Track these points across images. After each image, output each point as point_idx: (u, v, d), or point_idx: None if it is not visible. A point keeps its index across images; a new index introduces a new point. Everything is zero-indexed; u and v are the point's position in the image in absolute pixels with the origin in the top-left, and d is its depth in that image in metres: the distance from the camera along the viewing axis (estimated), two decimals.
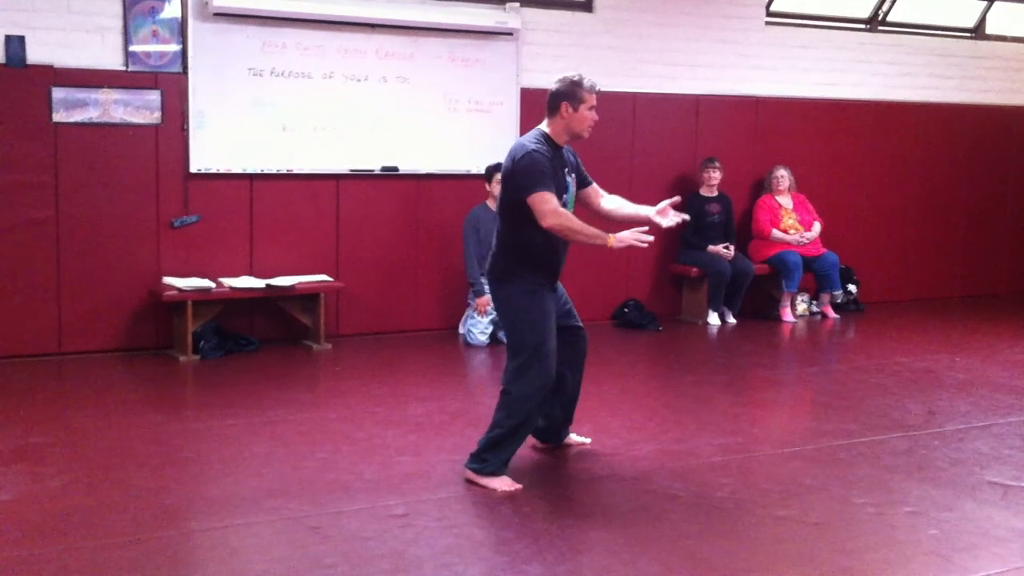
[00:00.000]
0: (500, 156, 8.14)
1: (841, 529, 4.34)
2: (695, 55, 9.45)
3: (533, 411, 4.84)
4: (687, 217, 5.12)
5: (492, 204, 8.04)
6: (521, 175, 4.67)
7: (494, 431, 4.79)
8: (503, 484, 4.73)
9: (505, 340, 5.02)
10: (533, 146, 4.73)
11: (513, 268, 4.83)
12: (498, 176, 7.85)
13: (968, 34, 10.90)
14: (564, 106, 4.80)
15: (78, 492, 4.62)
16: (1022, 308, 10.43)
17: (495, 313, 8.03)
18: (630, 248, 4.83)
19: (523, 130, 8.40)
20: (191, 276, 7.58)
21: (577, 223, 4.69)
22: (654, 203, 5.04)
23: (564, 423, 5.31)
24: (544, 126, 4.88)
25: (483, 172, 8.22)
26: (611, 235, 4.73)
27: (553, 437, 5.32)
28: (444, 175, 8.48)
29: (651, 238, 4.78)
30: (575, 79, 4.83)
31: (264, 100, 7.80)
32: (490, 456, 4.77)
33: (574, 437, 5.41)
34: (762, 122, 9.80)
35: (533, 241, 4.78)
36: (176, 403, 6.45)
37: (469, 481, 4.79)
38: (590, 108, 4.83)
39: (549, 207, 4.63)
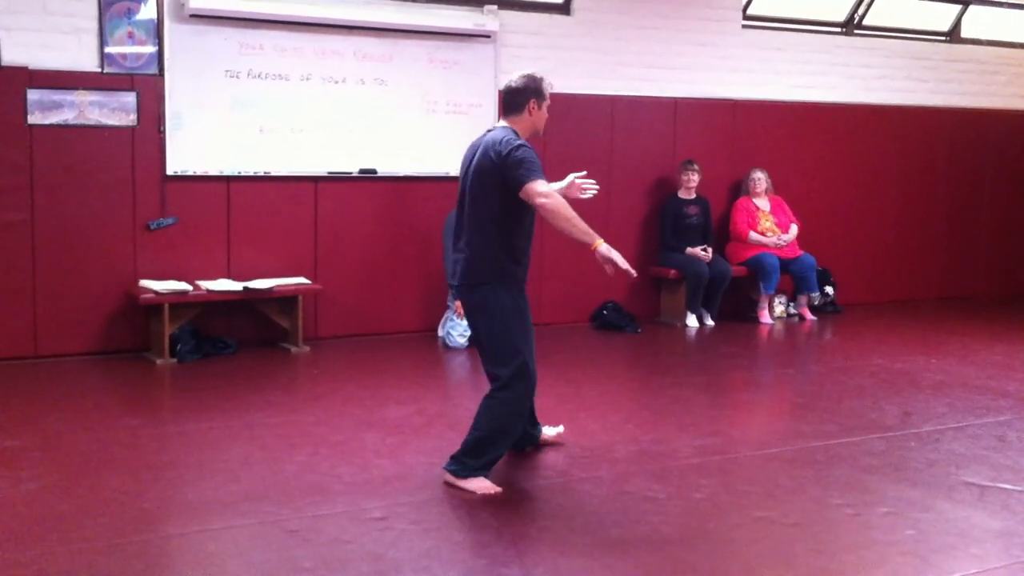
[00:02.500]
0: None
1: (819, 530, 4.36)
2: (672, 58, 9.48)
3: (519, 417, 4.84)
4: (597, 188, 5.17)
5: None
6: (517, 166, 4.56)
7: (474, 434, 4.76)
8: (482, 486, 4.71)
9: (488, 346, 4.79)
10: (520, 140, 4.67)
11: (499, 271, 4.72)
12: None
13: (943, 38, 10.98)
14: (532, 103, 4.81)
15: (54, 496, 4.58)
16: (998, 310, 10.52)
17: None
18: (605, 264, 4.64)
19: None
20: (168, 279, 7.54)
21: (571, 211, 4.61)
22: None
23: (531, 424, 5.26)
24: (507, 123, 4.81)
25: None
26: (602, 241, 4.64)
27: (527, 441, 5.30)
28: (422, 177, 8.47)
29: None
30: (538, 76, 4.84)
31: (241, 102, 7.77)
32: (469, 460, 4.75)
33: (548, 431, 5.41)
34: (739, 124, 9.84)
35: (518, 242, 4.77)
36: (153, 406, 6.42)
37: (448, 484, 4.78)
38: (548, 106, 4.89)
39: (546, 189, 4.57)
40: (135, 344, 7.59)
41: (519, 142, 4.65)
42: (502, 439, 4.79)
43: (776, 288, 9.50)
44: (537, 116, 4.84)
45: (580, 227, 4.60)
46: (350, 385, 6.81)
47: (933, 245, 11.03)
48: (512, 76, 4.88)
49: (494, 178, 4.64)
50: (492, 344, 4.75)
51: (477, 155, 4.75)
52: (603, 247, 4.61)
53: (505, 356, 4.72)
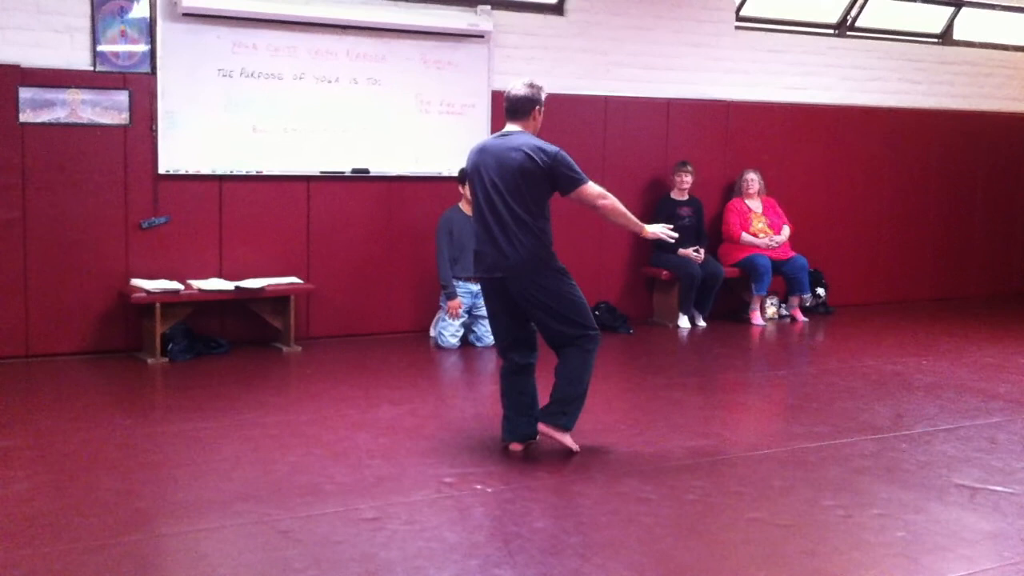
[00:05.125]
0: None
1: (810, 531, 4.37)
2: (666, 58, 9.49)
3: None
4: None
5: (465, 206, 8.03)
6: (567, 169, 5.08)
7: (578, 387, 5.16)
8: (572, 443, 5.22)
9: (562, 313, 5.14)
10: (553, 145, 5.13)
11: (549, 257, 5.15)
12: None
13: (936, 39, 11.00)
14: (536, 110, 5.22)
15: (45, 496, 4.57)
16: (990, 311, 10.55)
17: (476, 309, 8.08)
18: (653, 239, 5.48)
19: (495, 132, 8.41)
20: (160, 278, 7.53)
21: (623, 206, 5.29)
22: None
23: (534, 416, 5.37)
24: (520, 128, 5.19)
25: (455, 174, 8.21)
26: (646, 226, 5.43)
27: (530, 434, 5.34)
28: (416, 177, 8.46)
29: (676, 235, 5.55)
30: (538, 84, 5.26)
31: (234, 101, 7.76)
32: (575, 413, 5.19)
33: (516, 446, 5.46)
34: (732, 126, 9.85)
35: (551, 232, 5.22)
36: (145, 406, 6.41)
37: (544, 437, 5.24)
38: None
39: (601, 190, 5.20)
40: (127, 344, 7.58)
41: (558, 147, 5.10)
42: (588, 383, 5.25)
43: (768, 289, 9.51)
44: (539, 121, 5.28)
45: (632, 219, 5.34)
46: (342, 385, 6.81)
47: (925, 246, 11.05)
48: (514, 84, 5.25)
49: (542, 179, 5.06)
50: (566, 309, 5.14)
51: (516, 157, 5.04)
52: (649, 230, 5.40)
53: (582, 314, 5.18)
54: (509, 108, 5.23)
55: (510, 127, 5.22)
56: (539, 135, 5.28)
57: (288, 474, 4.92)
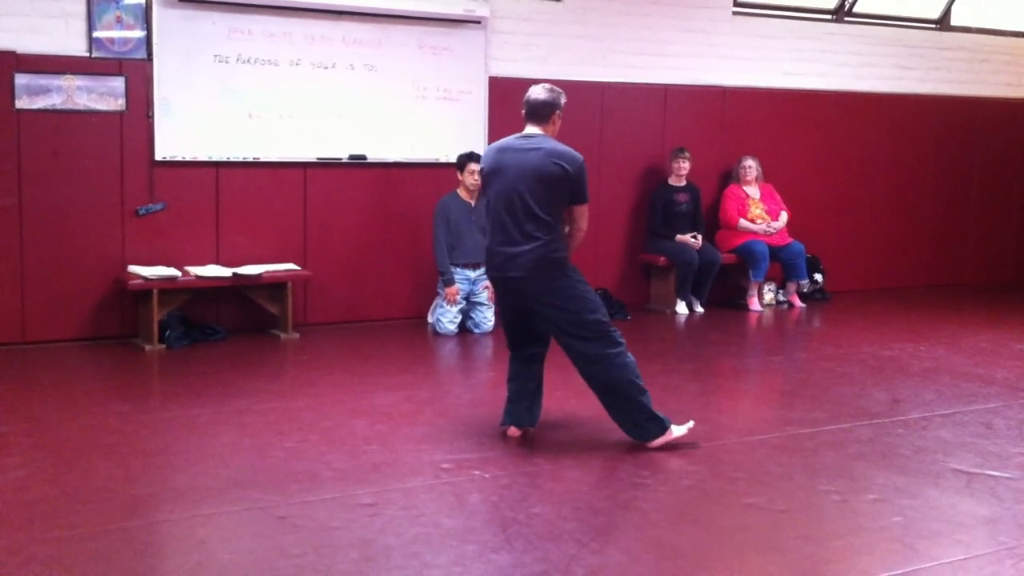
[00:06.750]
0: (469, 145, 8.29)
1: (806, 516, 4.38)
2: (663, 45, 9.47)
3: (633, 363, 5.22)
4: None
5: (463, 193, 8.02)
6: (583, 182, 5.15)
7: (642, 397, 5.12)
8: (681, 429, 5.19)
9: (582, 319, 5.11)
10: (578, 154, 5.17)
11: (565, 257, 5.16)
12: (472, 166, 7.89)
13: (933, 25, 10.98)
14: (556, 115, 5.25)
15: (43, 483, 4.58)
16: (986, 297, 10.55)
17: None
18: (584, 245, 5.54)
19: (492, 118, 8.44)
20: (157, 265, 7.52)
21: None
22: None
23: (534, 404, 5.40)
24: (541, 131, 5.20)
25: (453, 160, 8.20)
26: None
27: (528, 421, 5.37)
28: (413, 163, 8.45)
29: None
30: (559, 90, 5.29)
31: (230, 87, 7.74)
32: (654, 417, 5.13)
33: (515, 430, 5.46)
34: (730, 112, 9.83)
35: (564, 235, 5.26)
36: (142, 393, 6.41)
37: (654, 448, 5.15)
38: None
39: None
40: (124, 330, 7.58)
41: (582, 158, 5.15)
42: (640, 383, 5.15)
43: (765, 275, 9.51)
44: (557, 125, 5.28)
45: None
46: (339, 372, 6.81)
47: (921, 233, 11.05)
48: (535, 88, 5.26)
49: (564, 185, 5.08)
50: (577, 306, 5.11)
51: (542, 161, 5.05)
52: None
53: (594, 309, 5.14)
54: (529, 111, 5.22)
55: (530, 129, 5.21)
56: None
57: (285, 460, 4.93)
